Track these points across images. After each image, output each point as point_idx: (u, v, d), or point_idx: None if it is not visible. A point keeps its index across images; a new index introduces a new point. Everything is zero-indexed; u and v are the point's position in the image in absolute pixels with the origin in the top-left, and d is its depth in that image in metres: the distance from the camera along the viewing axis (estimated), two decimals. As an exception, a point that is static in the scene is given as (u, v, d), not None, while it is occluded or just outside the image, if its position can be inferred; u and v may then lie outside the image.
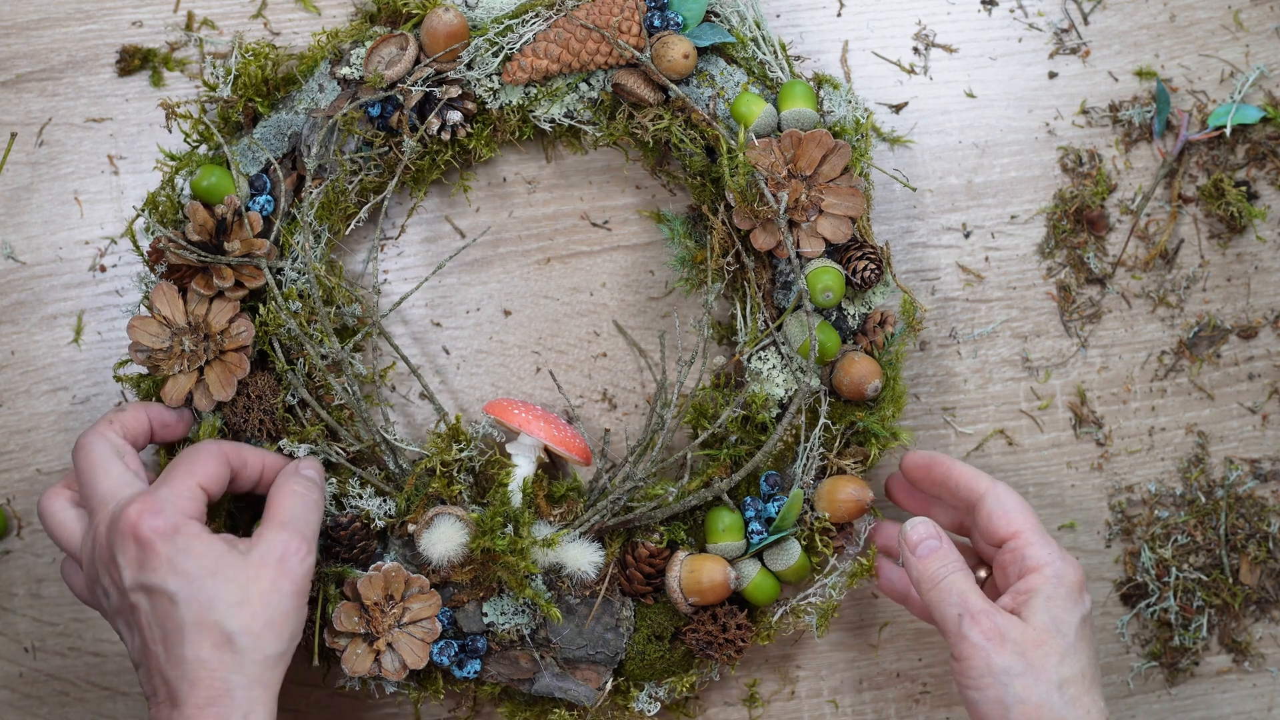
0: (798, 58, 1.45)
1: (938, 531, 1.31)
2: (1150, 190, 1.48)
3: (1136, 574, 1.49)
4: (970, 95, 1.48)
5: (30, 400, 1.44)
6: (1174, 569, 1.48)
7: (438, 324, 1.46)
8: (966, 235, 1.48)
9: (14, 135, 1.43)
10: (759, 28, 1.39)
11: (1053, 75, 1.48)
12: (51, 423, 1.44)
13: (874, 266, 1.37)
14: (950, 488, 1.34)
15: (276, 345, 1.37)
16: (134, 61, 1.44)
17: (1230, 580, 1.48)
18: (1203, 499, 1.49)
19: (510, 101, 1.38)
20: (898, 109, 1.48)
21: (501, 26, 1.36)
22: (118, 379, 1.40)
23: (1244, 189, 1.48)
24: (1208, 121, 1.48)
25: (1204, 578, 1.48)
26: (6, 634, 1.44)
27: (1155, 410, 1.49)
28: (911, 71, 1.48)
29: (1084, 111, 1.49)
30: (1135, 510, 1.49)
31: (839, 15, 1.48)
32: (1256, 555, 1.48)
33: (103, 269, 1.44)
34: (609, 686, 1.38)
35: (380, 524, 1.37)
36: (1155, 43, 1.49)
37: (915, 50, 1.48)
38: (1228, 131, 1.47)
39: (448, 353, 1.46)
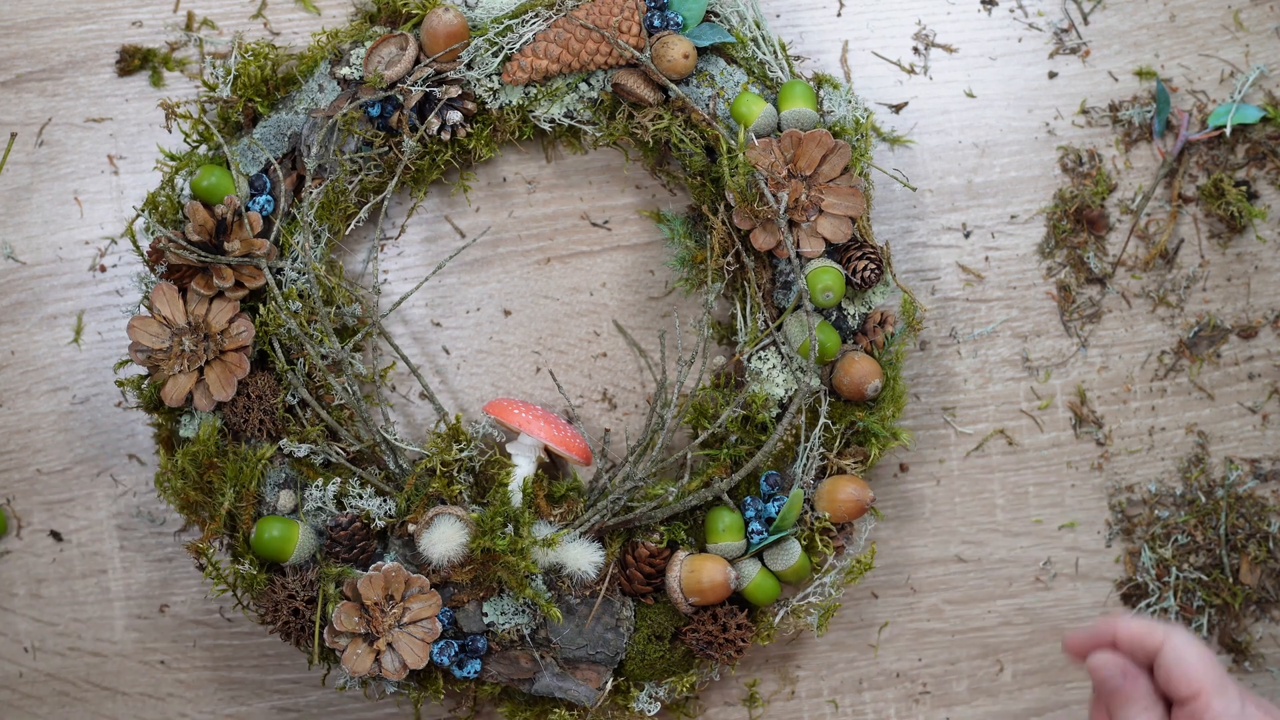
0: (798, 58, 1.45)
1: (1120, 667, 1.19)
2: (1150, 190, 1.48)
3: (1136, 574, 1.49)
4: (970, 95, 1.48)
5: (30, 400, 1.44)
6: (1174, 569, 1.48)
7: (438, 324, 1.46)
8: (966, 235, 1.48)
9: (14, 135, 1.43)
10: (759, 27, 1.39)
11: (1053, 75, 1.48)
12: (51, 423, 1.44)
13: (874, 266, 1.37)
14: (1125, 649, 1.21)
15: (276, 345, 1.37)
16: (134, 61, 1.44)
17: (1230, 580, 1.48)
18: (1203, 499, 1.49)
19: (510, 101, 1.38)
20: (898, 109, 1.48)
21: (501, 26, 1.36)
22: (119, 384, 1.40)
23: (1244, 189, 1.48)
24: (1208, 121, 1.48)
25: (1204, 578, 1.48)
26: (6, 634, 1.44)
27: (1155, 410, 1.49)
28: (911, 71, 1.48)
29: (1084, 111, 1.48)
30: (1135, 510, 1.49)
31: (839, 15, 1.48)
32: (1256, 555, 1.48)
33: (103, 269, 1.44)
34: (609, 686, 1.38)
35: (380, 524, 1.37)
36: (1155, 43, 1.49)
37: (915, 50, 1.48)
38: (1228, 131, 1.46)
39: (448, 353, 1.46)
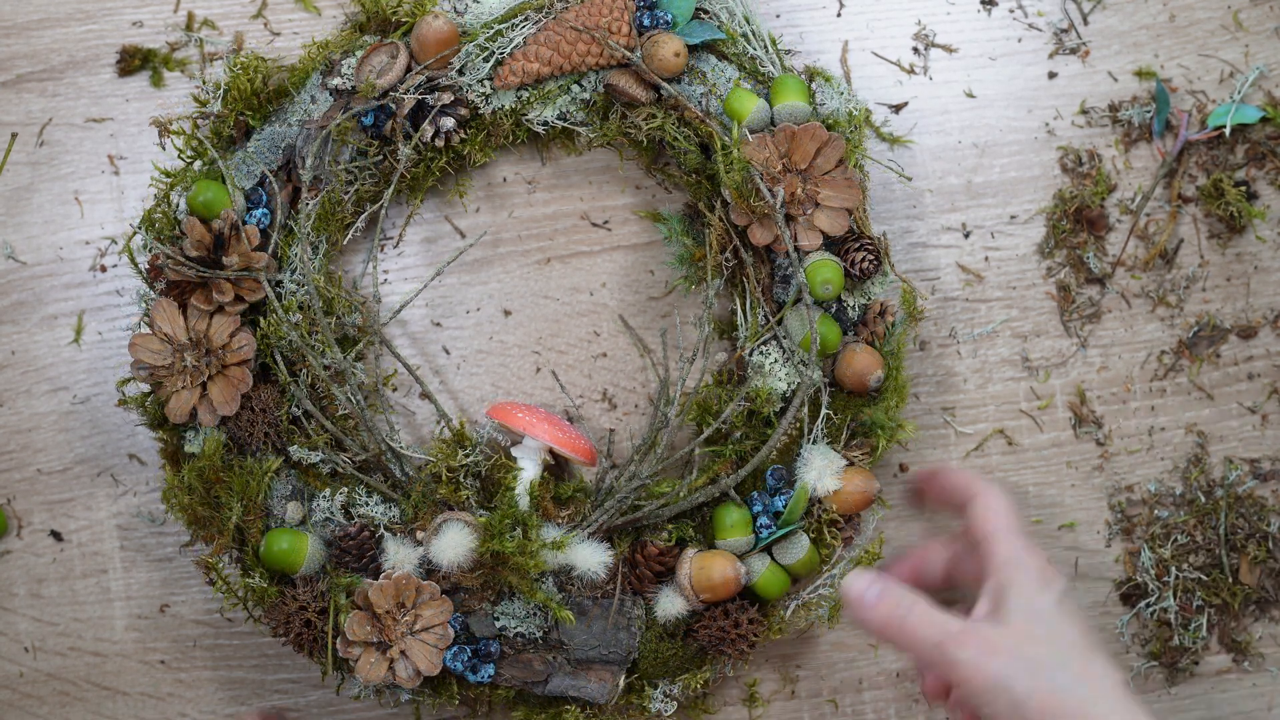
0: (789, 51, 1.46)
1: (874, 575, 1.23)
2: (1150, 190, 1.48)
3: (1136, 574, 1.49)
4: (970, 95, 1.48)
5: (30, 400, 1.44)
6: (1174, 569, 1.48)
7: (438, 324, 1.46)
8: (966, 235, 1.48)
9: (14, 135, 1.44)
10: (749, 23, 1.39)
11: (1052, 75, 1.48)
12: (52, 423, 1.45)
13: (872, 258, 1.37)
14: (948, 491, 1.30)
15: (278, 357, 1.37)
16: (134, 61, 1.44)
17: (1230, 580, 1.48)
18: (1203, 499, 1.48)
19: (503, 105, 1.39)
20: (898, 109, 1.48)
21: (492, 31, 1.36)
22: (122, 402, 1.40)
23: (1243, 189, 1.48)
24: (1207, 121, 1.48)
25: (1204, 577, 1.48)
26: (6, 634, 1.45)
27: (1155, 410, 1.49)
28: (911, 71, 1.48)
29: (1084, 111, 1.48)
30: (1135, 510, 1.49)
31: (839, 15, 1.48)
32: (1256, 555, 1.48)
33: (103, 269, 1.44)
34: (622, 684, 1.38)
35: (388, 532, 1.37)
36: (1155, 43, 1.49)
37: (915, 50, 1.48)
38: (1227, 131, 1.46)
39: (448, 353, 1.46)
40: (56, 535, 1.45)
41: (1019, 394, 1.48)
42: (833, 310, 1.39)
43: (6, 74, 1.44)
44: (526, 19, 1.37)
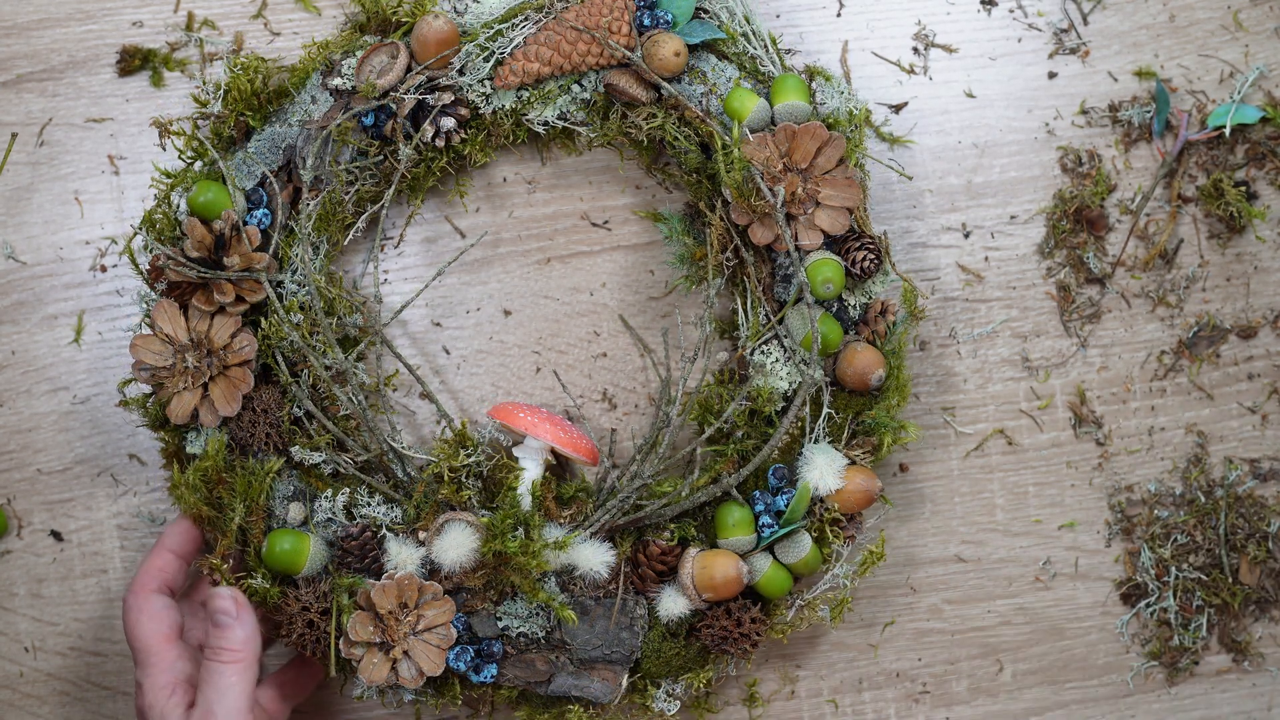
0: (789, 51, 1.46)
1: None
2: (1150, 190, 1.48)
3: (1136, 574, 1.49)
4: (970, 95, 1.48)
5: (31, 400, 1.44)
6: (1174, 569, 1.48)
7: (438, 324, 1.46)
8: (966, 235, 1.48)
9: (14, 135, 1.43)
10: (748, 22, 1.39)
11: (1052, 75, 1.48)
12: (52, 423, 1.44)
13: (873, 257, 1.37)
14: None
15: (280, 358, 1.37)
16: (134, 61, 1.44)
17: (1230, 580, 1.48)
18: (1202, 499, 1.48)
19: (503, 105, 1.38)
20: (898, 109, 1.48)
21: (492, 31, 1.36)
22: (123, 403, 1.40)
23: (1243, 189, 1.48)
24: (1207, 121, 1.48)
25: (1204, 577, 1.48)
26: (6, 634, 1.45)
27: (1155, 410, 1.49)
28: (911, 71, 1.48)
29: (1083, 111, 1.48)
30: (1135, 510, 1.49)
31: (839, 15, 1.48)
32: (1256, 555, 1.48)
33: (103, 269, 1.44)
34: (625, 684, 1.38)
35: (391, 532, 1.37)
36: (1155, 43, 1.49)
37: (915, 50, 1.48)
38: (1227, 131, 1.46)
39: (448, 353, 1.46)
40: (56, 535, 1.45)
41: (1019, 394, 1.48)
42: (834, 309, 1.39)
43: (6, 74, 1.44)
44: (526, 19, 1.37)
